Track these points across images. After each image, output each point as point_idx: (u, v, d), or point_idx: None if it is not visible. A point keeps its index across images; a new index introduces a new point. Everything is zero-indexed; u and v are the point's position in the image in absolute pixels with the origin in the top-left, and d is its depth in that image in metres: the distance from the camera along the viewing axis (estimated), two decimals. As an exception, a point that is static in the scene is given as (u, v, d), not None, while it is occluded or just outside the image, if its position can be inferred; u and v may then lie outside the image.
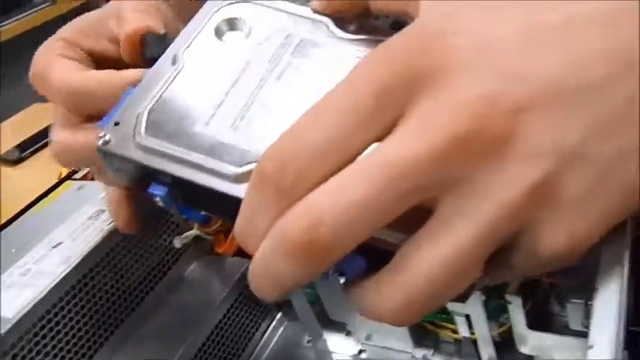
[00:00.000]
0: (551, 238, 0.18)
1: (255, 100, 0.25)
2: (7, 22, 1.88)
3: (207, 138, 0.24)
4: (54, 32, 0.33)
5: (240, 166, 0.23)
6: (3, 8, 1.90)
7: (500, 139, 0.17)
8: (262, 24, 0.28)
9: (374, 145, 0.18)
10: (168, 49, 0.28)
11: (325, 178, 0.17)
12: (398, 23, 0.26)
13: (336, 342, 0.43)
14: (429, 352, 0.40)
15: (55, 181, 0.45)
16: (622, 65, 0.17)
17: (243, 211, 0.19)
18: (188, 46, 0.27)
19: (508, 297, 0.32)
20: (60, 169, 0.69)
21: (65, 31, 0.33)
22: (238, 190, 0.22)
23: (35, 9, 1.94)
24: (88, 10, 0.35)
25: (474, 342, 0.37)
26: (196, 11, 0.29)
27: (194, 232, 0.41)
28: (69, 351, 0.34)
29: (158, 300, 0.40)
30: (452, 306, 0.36)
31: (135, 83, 0.27)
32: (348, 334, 0.43)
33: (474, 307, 0.34)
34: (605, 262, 0.22)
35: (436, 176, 0.17)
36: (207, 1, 0.29)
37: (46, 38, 0.33)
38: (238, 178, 0.23)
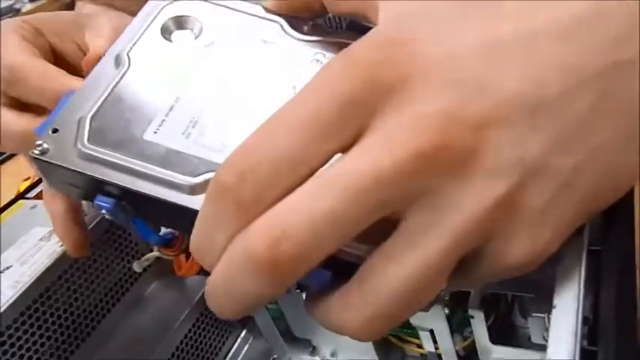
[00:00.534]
0: (516, 248, 0.18)
1: (208, 104, 0.24)
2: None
3: (157, 146, 0.22)
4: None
5: (195, 176, 0.22)
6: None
7: (465, 154, 0.17)
8: (213, 23, 0.26)
9: (338, 156, 0.17)
10: (110, 48, 0.26)
11: (288, 191, 0.17)
12: (354, 24, 0.25)
13: (301, 359, 0.42)
14: (394, 367, 0.39)
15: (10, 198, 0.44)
16: (575, 81, 0.17)
17: (200, 225, 0.18)
18: (133, 46, 0.25)
19: (471, 311, 0.32)
20: (18, 186, 0.67)
21: (35, 17, 0.32)
22: (194, 201, 0.21)
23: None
24: None
25: (439, 356, 0.37)
26: None
27: (154, 254, 0.39)
28: (20, 380, 0.32)
29: (116, 322, 0.38)
30: (416, 321, 0.35)
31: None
32: (314, 350, 0.42)
33: (438, 322, 0.34)
34: (560, 279, 0.22)
35: (401, 190, 0.17)
36: (149, 3, 0.27)
37: None
38: (193, 189, 0.21)
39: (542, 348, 0.31)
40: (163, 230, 0.31)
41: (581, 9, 0.18)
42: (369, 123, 0.17)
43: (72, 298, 0.35)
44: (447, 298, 0.33)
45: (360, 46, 0.18)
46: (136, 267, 0.39)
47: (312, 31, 0.25)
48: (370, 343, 0.39)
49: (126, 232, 0.39)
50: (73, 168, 0.22)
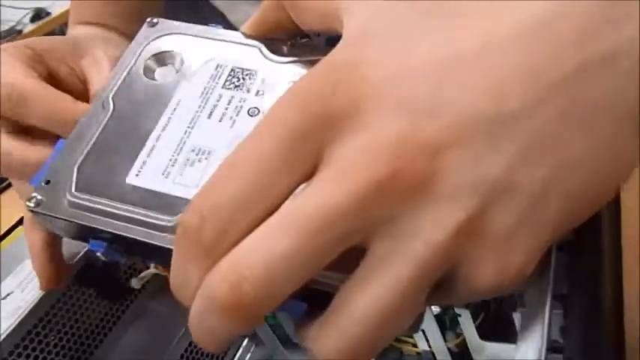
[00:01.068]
0: (484, 273, 0.18)
1: (187, 142, 0.24)
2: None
3: (139, 189, 0.23)
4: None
5: (174, 215, 0.22)
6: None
7: (420, 180, 0.16)
8: (192, 55, 0.27)
9: (302, 187, 0.17)
10: (101, 92, 0.27)
11: (250, 230, 0.17)
12: (333, 39, 0.24)
13: (303, 364, 0.43)
14: (393, 367, 0.40)
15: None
16: (542, 86, 0.16)
17: (174, 265, 0.19)
18: (117, 89, 0.26)
19: (457, 310, 0.32)
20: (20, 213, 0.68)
21: (35, 41, 0.33)
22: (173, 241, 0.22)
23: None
24: None
25: (434, 354, 0.37)
26: None
27: (152, 271, 0.41)
28: (26, 402, 0.33)
29: (117, 340, 0.39)
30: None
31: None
32: (314, 355, 0.42)
33: (427, 322, 0.34)
34: (524, 326, 0.21)
35: (358, 223, 0.17)
36: (135, 37, 0.28)
37: None
38: (173, 229, 0.22)
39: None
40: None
41: (545, 8, 0.17)
42: (322, 155, 0.17)
43: (72, 320, 0.37)
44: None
45: (307, 78, 0.18)
46: (134, 284, 0.40)
47: (292, 51, 0.26)
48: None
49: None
50: (64, 218, 0.23)
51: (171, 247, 0.21)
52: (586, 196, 0.18)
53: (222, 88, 0.25)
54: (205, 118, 0.25)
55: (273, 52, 0.26)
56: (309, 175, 0.17)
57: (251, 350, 0.45)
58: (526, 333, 0.20)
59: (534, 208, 0.17)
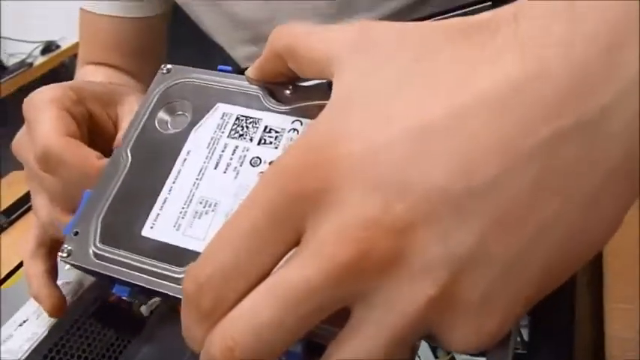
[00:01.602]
0: (460, 338, 0.18)
1: (195, 194, 0.26)
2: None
3: (153, 241, 0.25)
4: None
5: (183, 267, 0.24)
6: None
7: (390, 259, 0.17)
8: (201, 104, 0.28)
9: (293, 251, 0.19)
10: (120, 144, 0.28)
11: (243, 295, 0.18)
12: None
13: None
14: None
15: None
16: (511, 157, 0.16)
17: (183, 322, 0.20)
18: (133, 141, 0.28)
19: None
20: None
21: (79, 86, 0.35)
22: None
23: (10, 75, 1.97)
24: (64, 73, 0.39)
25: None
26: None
27: (160, 297, 0.43)
28: None
29: (128, 362, 0.41)
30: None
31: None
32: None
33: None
34: None
35: (337, 295, 0.18)
36: (150, 86, 0.30)
37: (21, 103, 0.35)
38: (182, 280, 0.23)
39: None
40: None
41: (514, 76, 0.17)
42: (305, 227, 0.18)
43: (85, 344, 0.39)
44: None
45: (289, 153, 0.19)
46: (144, 310, 0.42)
47: (293, 96, 0.27)
48: None
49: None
50: (90, 268, 0.26)
51: (180, 296, 0.23)
52: (564, 259, 0.18)
53: (228, 137, 0.27)
54: (212, 169, 0.26)
55: (275, 98, 0.27)
56: (295, 243, 0.19)
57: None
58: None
59: (509, 274, 0.17)
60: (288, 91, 0.27)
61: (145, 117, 0.29)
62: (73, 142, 0.32)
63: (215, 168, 0.26)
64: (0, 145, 0.74)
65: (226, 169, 0.26)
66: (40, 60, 2.06)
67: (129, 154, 0.28)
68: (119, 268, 0.25)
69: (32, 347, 0.35)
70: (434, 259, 0.17)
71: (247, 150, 0.26)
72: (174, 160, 0.27)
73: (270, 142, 0.26)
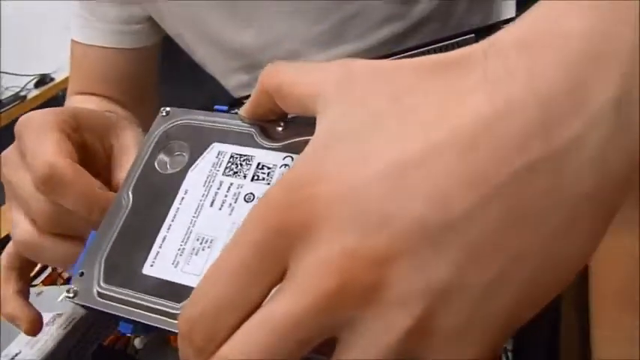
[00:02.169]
0: None
1: (193, 231, 0.26)
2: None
3: (154, 278, 0.26)
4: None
5: (180, 303, 0.25)
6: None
7: (370, 289, 0.17)
8: (198, 143, 0.29)
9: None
10: (121, 186, 0.29)
11: (234, 329, 0.19)
12: None
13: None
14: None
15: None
16: (483, 190, 0.17)
17: (180, 354, 0.21)
18: (134, 182, 0.29)
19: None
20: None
21: (78, 113, 0.35)
22: None
23: (4, 108, 1.98)
24: (57, 106, 0.38)
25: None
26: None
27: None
28: None
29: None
30: None
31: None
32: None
33: None
34: None
35: (320, 326, 0.18)
36: (150, 129, 0.31)
37: (13, 137, 0.34)
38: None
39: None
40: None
41: (485, 111, 0.17)
42: (289, 262, 0.19)
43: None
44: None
45: (273, 191, 0.20)
46: (137, 343, 0.42)
47: (285, 132, 0.28)
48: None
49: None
50: (95, 308, 0.27)
51: (177, 331, 0.23)
52: (539, 287, 0.18)
53: (223, 175, 0.28)
54: (208, 207, 0.27)
55: (268, 135, 0.28)
56: (281, 276, 0.19)
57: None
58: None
59: (485, 304, 0.18)
60: (280, 128, 0.28)
61: (146, 158, 0.30)
62: (78, 167, 0.32)
63: (211, 205, 0.27)
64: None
65: (222, 205, 0.27)
66: (34, 93, 2.07)
67: (130, 195, 0.29)
68: (122, 306, 0.26)
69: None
70: (411, 291, 0.17)
71: (241, 187, 0.27)
72: (173, 199, 0.28)
73: (263, 179, 0.27)
